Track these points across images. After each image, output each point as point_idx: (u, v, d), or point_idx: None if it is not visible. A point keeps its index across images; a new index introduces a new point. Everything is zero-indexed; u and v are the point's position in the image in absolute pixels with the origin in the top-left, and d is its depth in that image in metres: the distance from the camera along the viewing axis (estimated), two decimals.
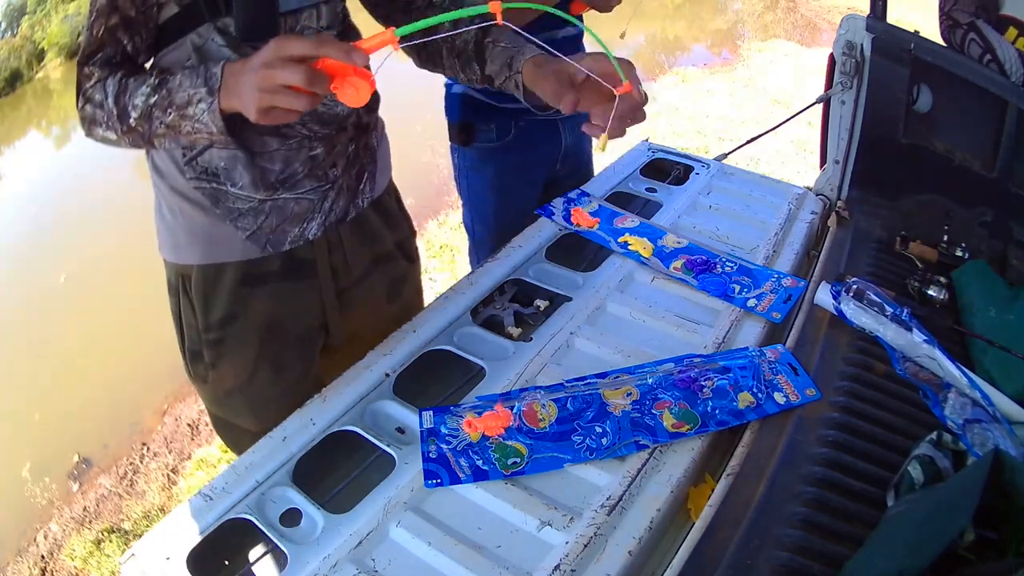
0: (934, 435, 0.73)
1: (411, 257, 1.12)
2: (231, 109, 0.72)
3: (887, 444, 0.78)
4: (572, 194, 1.23)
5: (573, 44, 1.35)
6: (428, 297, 1.15)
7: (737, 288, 0.99)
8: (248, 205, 0.87)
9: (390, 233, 1.05)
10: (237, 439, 1.05)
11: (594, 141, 1.33)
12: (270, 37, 0.78)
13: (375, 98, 0.99)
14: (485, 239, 1.51)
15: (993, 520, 0.58)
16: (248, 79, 0.67)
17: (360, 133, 0.95)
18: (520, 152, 1.39)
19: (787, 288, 1.00)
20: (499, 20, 0.64)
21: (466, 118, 1.39)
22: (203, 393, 1.02)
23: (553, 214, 1.17)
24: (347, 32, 0.92)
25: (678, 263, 1.05)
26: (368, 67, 0.65)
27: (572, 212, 1.17)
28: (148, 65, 0.85)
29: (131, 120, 0.77)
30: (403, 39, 0.63)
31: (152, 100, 0.75)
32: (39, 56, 6.62)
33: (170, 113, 0.75)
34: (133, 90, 0.76)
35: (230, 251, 0.90)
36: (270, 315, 0.94)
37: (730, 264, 1.05)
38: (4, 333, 3.04)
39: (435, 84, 1.46)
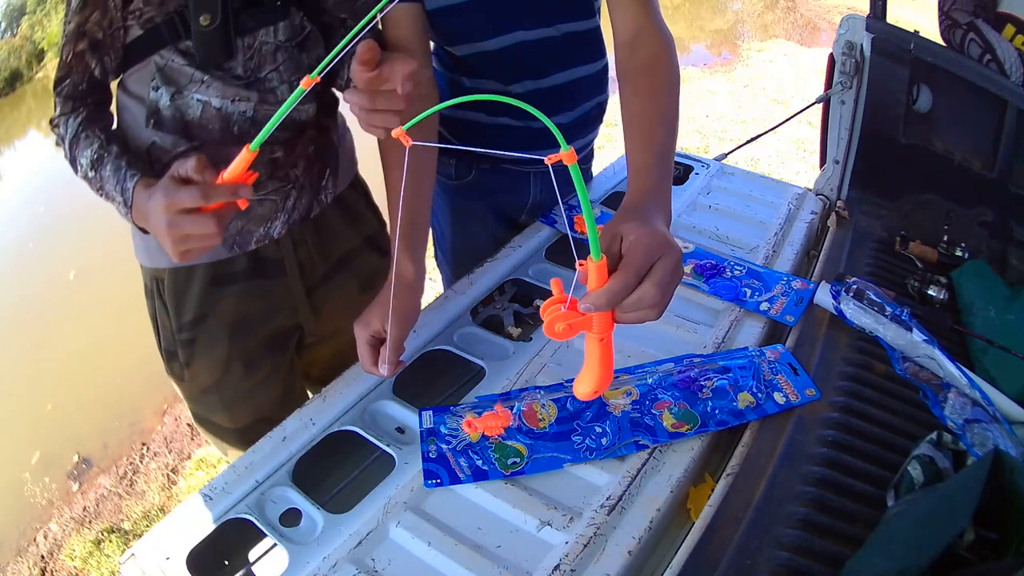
0: (934, 435, 0.73)
1: (383, 251, 1.13)
2: (142, 226, 0.76)
3: (887, 444, 0.78)
4: (573, 201, 1.23)
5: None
6: (428, 297, 1.15)
7: (748, 292, 0.99)
8: None
9: (356, 229, 1.07)
10: (216, 435, 1.08)
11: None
12: (226, 60, 0.84)
13: (332, 100, 1.00)
14: (443, 262, 1.41)
15: (993, 520, 0.58)
16: (155, 226, 0.69)
17: (320, 133, 0.97)
18: (480, 196, 1.24)
19: (798, 291, 1.00)
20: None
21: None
22: (181, 391, 1.05)
23: (556, 223, 1.17)
24: (307, 38, 0.89)
25: (687, 268, 1.05)
26: (249, 196, 0.67)
27: (575, 220, 1.16)
28: (115, 86, 0.89)
29: (79, 173, 0.82)
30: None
31: (90, 174, 0.80)
32: (39, 56, 6.62)
33: (102, 194, 0.80)
34: (81, 149, 0.81)
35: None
36: (239, 313, 0.98)
37: (739, 268, 1.05)
38: (5, 333, 3.04)
39: None
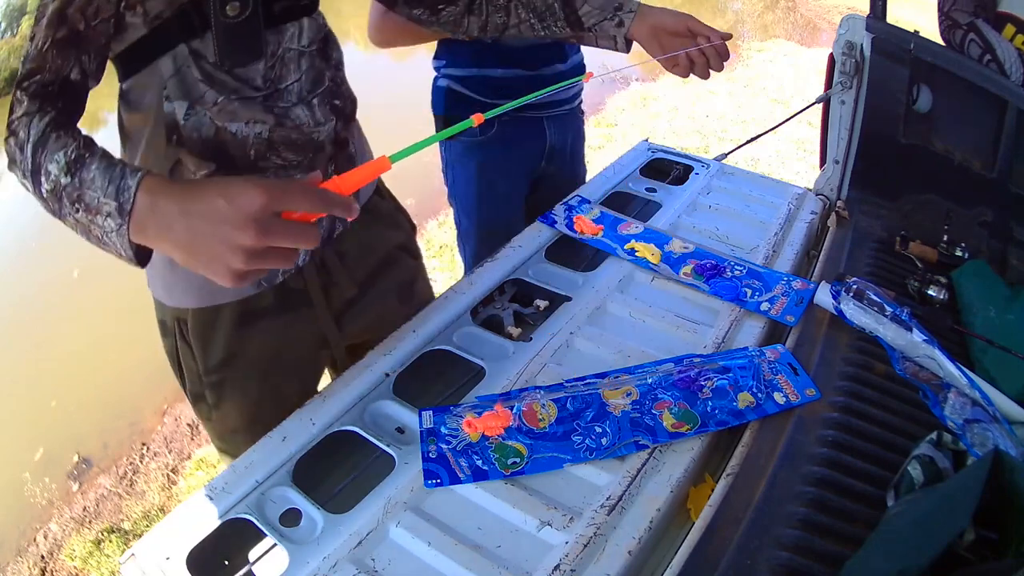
0: (934, 435, 0.73)
1: (415, 255, 1.11)
2: (148, 245, 0.60)
3: (887, 444, 0.78)
4: (572, 200, 1.23)
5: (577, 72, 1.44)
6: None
7: (749, 292, 0.99)
8: None
9: (389, 237, 1.03)
10: None
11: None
12: (253, 61, 0.73)
13: (352, 105, 0.94)
14: (470, 231, 1.52)
15: (993, 520, 0.58)
16: (224, 235, 0.53)
17: (339, 148, 0.91)
18: (503, 148, 1.40)
19: (798, 291, 1.00)
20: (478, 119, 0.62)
21: (450, 111, 1.40)
22: (207, 429, 1.01)
23: (556, 222, 1.17)
24: (327, 39, 0.87)
25: (687, 268, 1.05)
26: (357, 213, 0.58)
27: (575, 220, 1.17)
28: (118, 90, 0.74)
29: (42, 188, 0.63)
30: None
31: (63, 181, 0.61)
32: None
33: (78, 210, 0.60)
34: (51, 151, 0.62)
35: (224, 292, 0.87)
36: (269, 351, 0.92)
37: (739, 268, 1.05)
38: (5, 332, 3.05)
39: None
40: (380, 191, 1.04)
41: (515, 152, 1.43)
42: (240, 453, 0.99)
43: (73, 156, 0.61)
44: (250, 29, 0.71)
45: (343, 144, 0.92)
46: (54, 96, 0.66)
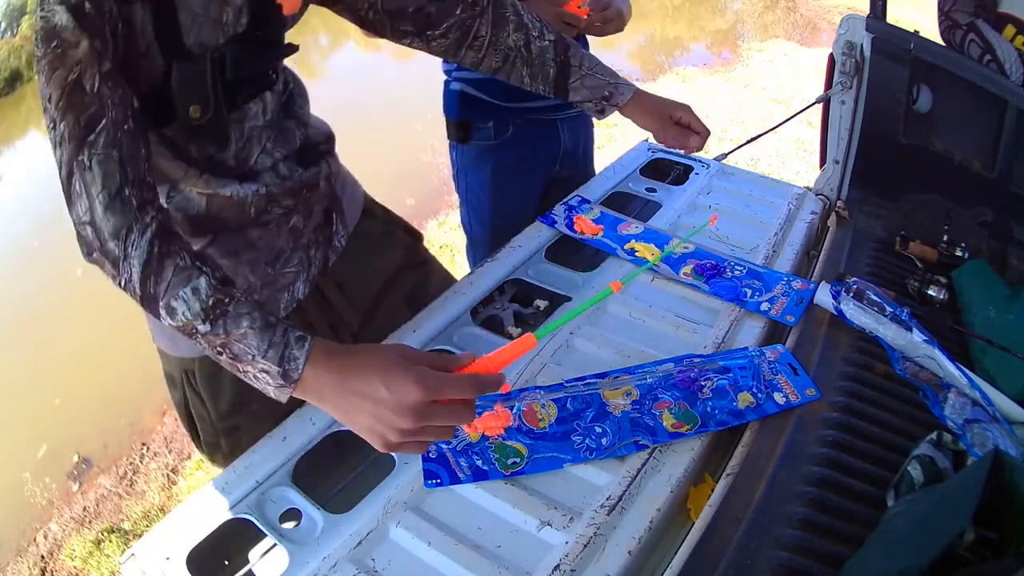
0: (934, 435, 0.73)
1: (422, 262, 1.09)
2: (305, 399, 0.62)
3: (887, 444, 0.78)
4: (572, 200, 1.23)
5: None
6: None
7: (749, 292, 0.99)
8: (242, 290, 0.83)
9: (388, 256, 1.02)
10: None
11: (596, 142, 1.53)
12: (221, 151, 0.73)
13: (328, 139, 0.94)
14: (482, 238, 1.51)
15: (993, 520, 0.58)
16: (376, 415, 0.55)
17: (329, 185, 0.92)
18: (518, 150, 1.39)
19: (798, 291, 1.00)
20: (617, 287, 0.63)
21: (464, 115, 1.38)
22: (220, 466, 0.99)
23: (556, 223, 1.17)
24: (291, 95, 0.86)
25: (687, 268, 1.05)
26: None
27: (575, 220, 1.17)
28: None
29: (163, 319, 0.61)
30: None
31: (201, 328, 0.59)
32: None
33: (221, 353, 0.61)
34: (173, 287, 0.59)
35: None
36: None
37: (739, 268, 1.04)
38: (5, 333, 3.05)
39: (435, 84, 1.46)
40: (368, 210, 1.02)
41: (529, 155, 1.41)
42: None
43: (210, 302, 0.59)
44: (215, 124, 0.71)
45: (331, 177, 0.93)
46: (135, 138, 0.61)
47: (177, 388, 0.91)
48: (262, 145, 0.81)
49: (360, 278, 0.98)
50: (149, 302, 0.61)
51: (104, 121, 0.59)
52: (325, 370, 0.58)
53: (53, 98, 0.58)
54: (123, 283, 0.61)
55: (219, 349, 0.60)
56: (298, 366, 0.58)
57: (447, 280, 1.12)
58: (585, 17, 1.19)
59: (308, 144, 0.89)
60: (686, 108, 1.05)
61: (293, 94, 0.87)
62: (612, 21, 1.24)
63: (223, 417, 0.89)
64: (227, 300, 0.59)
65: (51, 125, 0.59)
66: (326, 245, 0.93)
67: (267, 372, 0.59)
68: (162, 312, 0.60)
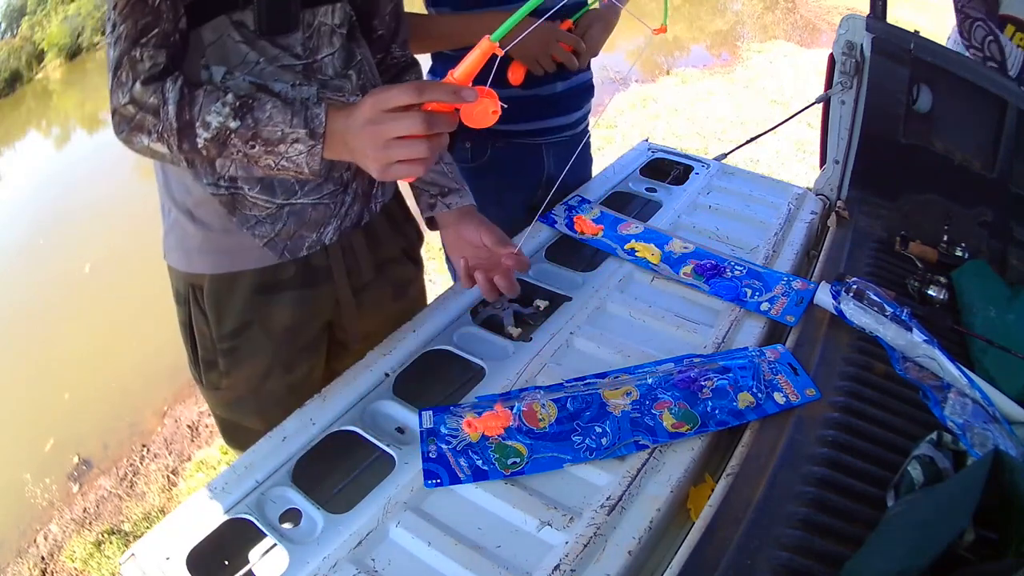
0: (934, 435, 0.73)
1: (417, 261, 1.12)
2: (331, 157, 0.71)
3: (887, 444, 0.78)
4: (572, 200, 1.23)
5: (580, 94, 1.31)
6: (428, 298, 1.15)
7: (749, 292, 0.99)
8: (266, 212, 0.86)
9: (397, 239, 1.06)
10: (244, 440, 1.03)
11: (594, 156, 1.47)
12: (290, 31, 0.79)
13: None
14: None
15: (993, 520, 0.58)
16: (362, 138, 0.66)
17: None
18: (496, 176, 1.29)
19: (798, 291, 1.00)
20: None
21: None
22: (212, 398, 1.01)
23: (556, 223, 1.17)
24: (353, 28, 0.90)
25: (687, 268, 1.05)
26: (472, 99, 0.62)
27: (575, 220, 1.17)
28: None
29: (198, 140, 0.71)
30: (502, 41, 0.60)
31: (232, 125, 0.70)
32: (39, 57, 6.62)
33: (254, 146, 0.70)
34: (205, 105, 0.70)
35: (245, 260, 0.89)
36: (285, 322, 0.94)
37: (739, 268, 1.04)
38: (5, 333, 3.05)
39: None
40: (397, 197, 1.07)
41: (509, 181, 1.31)
42: (244, 423, 1.01)
43: (237, 103, 0.69)
44: (288, 2, 0.78)
45: None
46: (178, 49, 0.72)
47: (182, 305, 0.93)
48: (330, 49, 0.85)
49: (379, 244, 1.01)
50: (186, 130, 0.70)
51: (156, 31, 0.70)
52: (342, 115, 0.68)
53: (119, 6, 0.69)
54: (162, 128, 0.70)
55: (251, 143, 0.70)
56: (320, 120, 0.68)
57: (423, 296, 1.16)
58: (571, 51, 1.11)
59: (369, 70, 0.93)
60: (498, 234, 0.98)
61: (355, 34, 0.91)
62: (584, 55, 1.15)
63: (224, 337, 0.92)
64: (251, 100, 0.70)
65: (111, 28, 0.71)
66: (364, 201, 0.96)
67: (298, 141, 0.69)
68: (199, 130, 0.70)
